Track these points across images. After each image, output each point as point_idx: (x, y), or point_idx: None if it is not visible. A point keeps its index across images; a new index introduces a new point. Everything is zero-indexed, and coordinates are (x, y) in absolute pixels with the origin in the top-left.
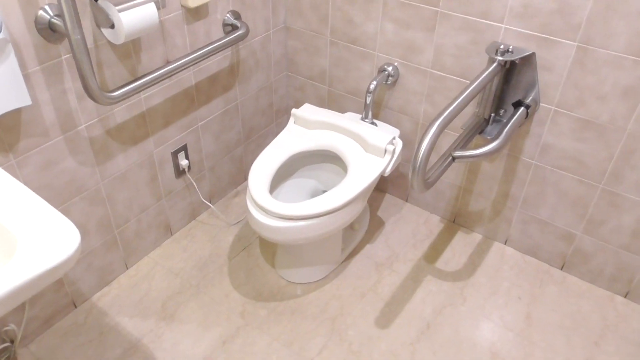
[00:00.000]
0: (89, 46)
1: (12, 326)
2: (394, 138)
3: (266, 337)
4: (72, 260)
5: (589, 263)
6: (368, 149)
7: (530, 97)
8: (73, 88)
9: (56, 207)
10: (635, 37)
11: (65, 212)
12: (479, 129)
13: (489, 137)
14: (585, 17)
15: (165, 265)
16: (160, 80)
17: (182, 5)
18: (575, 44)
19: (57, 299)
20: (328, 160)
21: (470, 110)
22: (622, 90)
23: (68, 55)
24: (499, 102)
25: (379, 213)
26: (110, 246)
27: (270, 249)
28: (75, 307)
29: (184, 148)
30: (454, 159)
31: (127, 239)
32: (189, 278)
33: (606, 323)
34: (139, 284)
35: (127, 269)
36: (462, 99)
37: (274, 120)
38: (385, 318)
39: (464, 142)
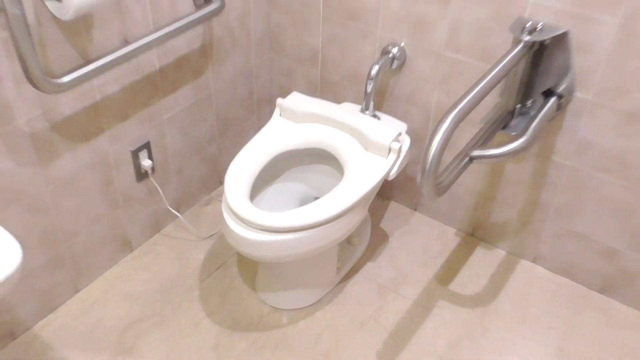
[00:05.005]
0: (30, 22)
1: None
2: (400, 134)
3: None
4: (11, 281)
5: (635, 285)
6: (369, 147)
7: (564, 85)
8: (11, 73)
9: None
10: None
11: (1, 224)
12: (502, 123)
13: (514, 133)
14: None
15: (122, 288)
16: (117, 64)
17: None
18: (618, 19)
19: None
20: (321, 160)
21: (491, 100)
22: None
23: (5, 34)
24: (525, 91)
25: (383, 225)
26: (56, 265)
27: (250, 268)
28: (14, 338)
29: (147, 146)
30: (471, 159)
31: (76, 256)
32: (152, 304)
33: None
34: (90, 310)
35: (77, 292)
36: (482, 87)
37: (255, 113)
38: (390, 353)
39: (484, 139)
